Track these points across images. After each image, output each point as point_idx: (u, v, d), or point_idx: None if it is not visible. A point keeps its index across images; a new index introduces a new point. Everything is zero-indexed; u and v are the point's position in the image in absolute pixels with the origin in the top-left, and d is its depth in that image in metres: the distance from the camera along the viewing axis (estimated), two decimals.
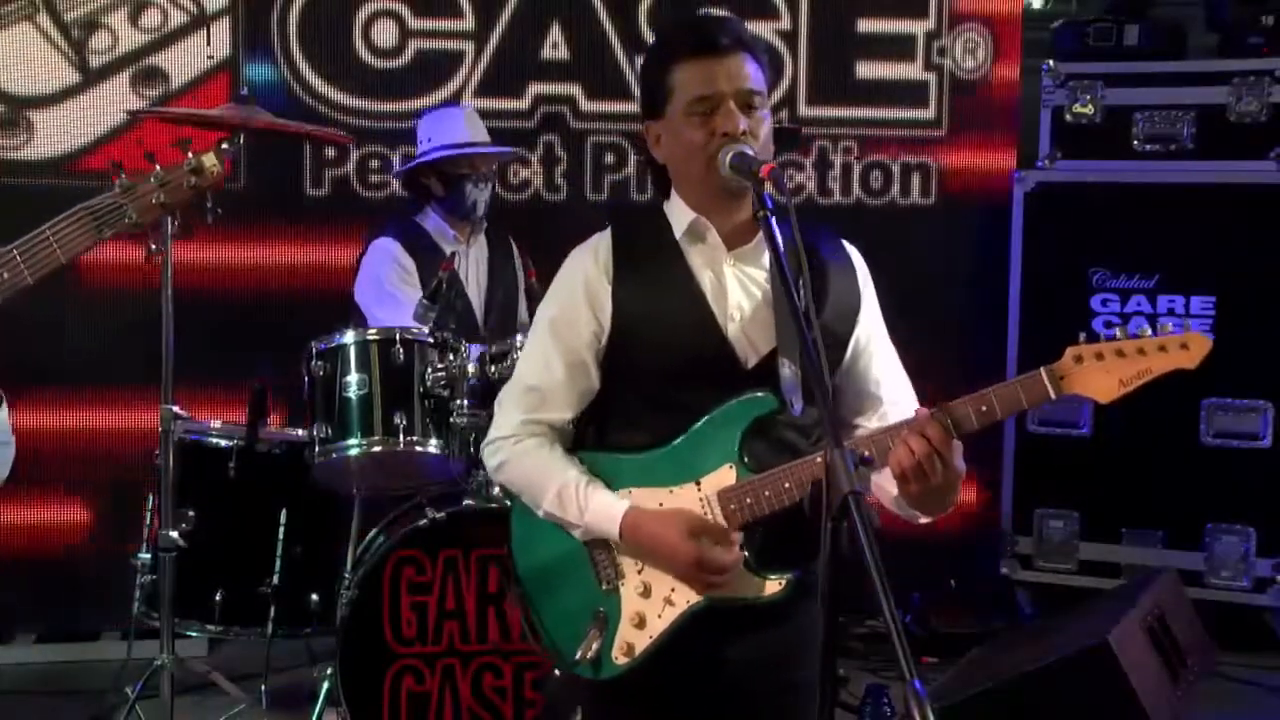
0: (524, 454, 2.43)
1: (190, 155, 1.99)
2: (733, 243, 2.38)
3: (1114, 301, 5.28)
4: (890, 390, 2.44)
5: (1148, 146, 5.34)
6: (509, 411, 2.47)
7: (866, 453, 2.21)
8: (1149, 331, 2.19)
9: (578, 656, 2.36)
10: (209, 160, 2.00)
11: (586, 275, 2.39)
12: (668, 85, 2.33)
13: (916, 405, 2.40)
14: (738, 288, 2.37)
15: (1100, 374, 2.19)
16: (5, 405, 2.19)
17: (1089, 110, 5.39)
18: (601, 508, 2.34)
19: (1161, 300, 5.25)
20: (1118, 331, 2.21)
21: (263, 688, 4.05)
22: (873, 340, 2.46)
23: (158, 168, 1.98)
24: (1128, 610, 3.79)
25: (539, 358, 2.43)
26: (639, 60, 2.84)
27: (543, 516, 2.41)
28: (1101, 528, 5.33)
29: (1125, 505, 5.29)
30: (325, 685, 3.89)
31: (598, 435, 2.47)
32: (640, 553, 2.35)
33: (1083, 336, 2.21)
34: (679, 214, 2.40)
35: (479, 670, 3.68)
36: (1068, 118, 5.42)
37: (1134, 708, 3.52)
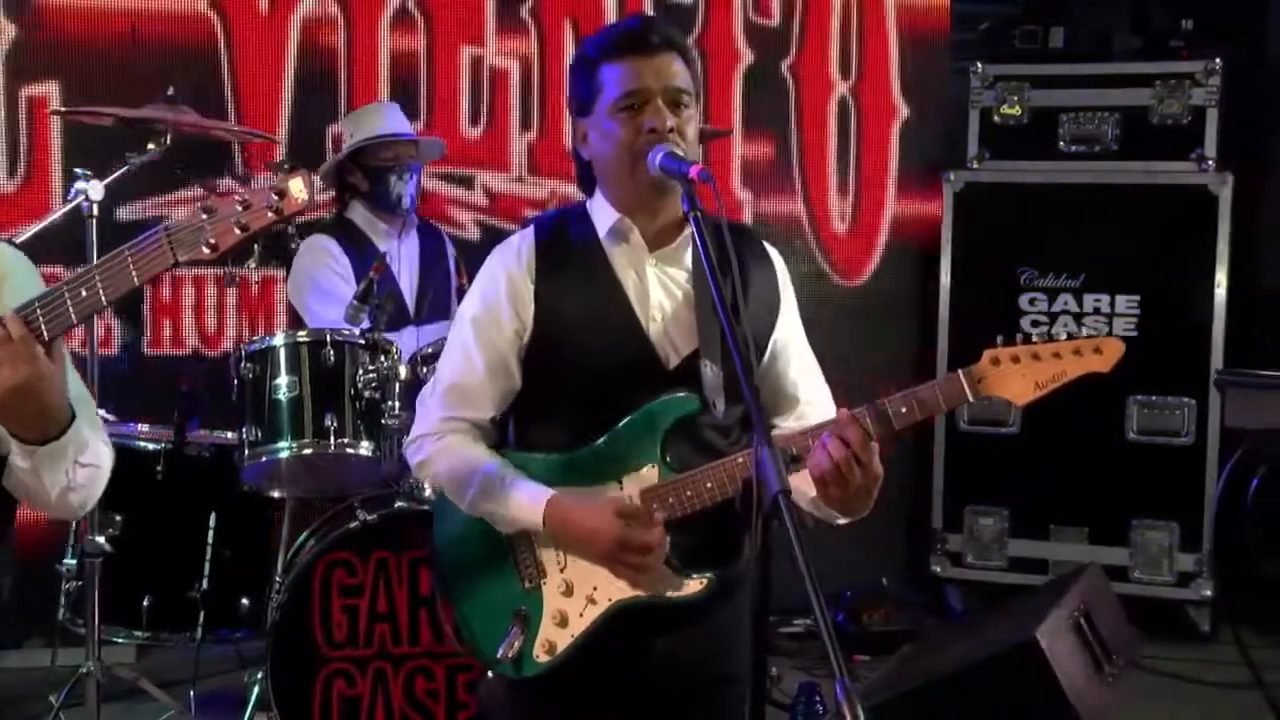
0: (446, 449, 2.43)
1: (274, 177, 1.93)
2: (655, 244, 2.40)
3: (1041, 300, 5.35)
4: (808, 391, 2.47)
5: (1073, 147, 5.40)
6: (431, 408, 2.48)
7: (794, 450, 2.23)
8: (1064, 335, 2.23)
9: (499, 655, 2.37)
10: (295, 185, 1.93)
11: (509, 273, 2.39)
12: (596, 82, 2.34)
13: (833, 406, 2.43)
14: (659, 288, 2.39)
15: (1016, 377, 2.24)
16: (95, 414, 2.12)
17: (1016, 111, 5.46)
18: (525, 497, 2.35)
19: (1088, 299, 5.32)
20: (1034, 335, 2.25)
21: (191, 693, 4.02)
22: (791, 342, 2.48)
23: (242, 191, 1.92)
24: (1055, 606, 3.83)
25: (461, 355, 2.43)
26: None
27: (466, 510, 2.41)
28: (1030, 525, 5.39)
29: (1053, 502, 5.35)
30: (255, 690, 3.85)
31: (520, 435, 2.48)
32: (563, 539, 2.35)
33: (1000, 340, 2.25)
34: (603, 214, 2.41)
35: (411, 673, 3.66)
36: (995, 118, 5.48)
37: (1061, 702, 3.56)
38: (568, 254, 2.40)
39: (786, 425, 2.41)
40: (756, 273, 2.42)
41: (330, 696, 3.62)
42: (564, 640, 2.36)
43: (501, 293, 2.39)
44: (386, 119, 4.46)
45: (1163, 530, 5.24)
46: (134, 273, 1.90)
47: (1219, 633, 5.21)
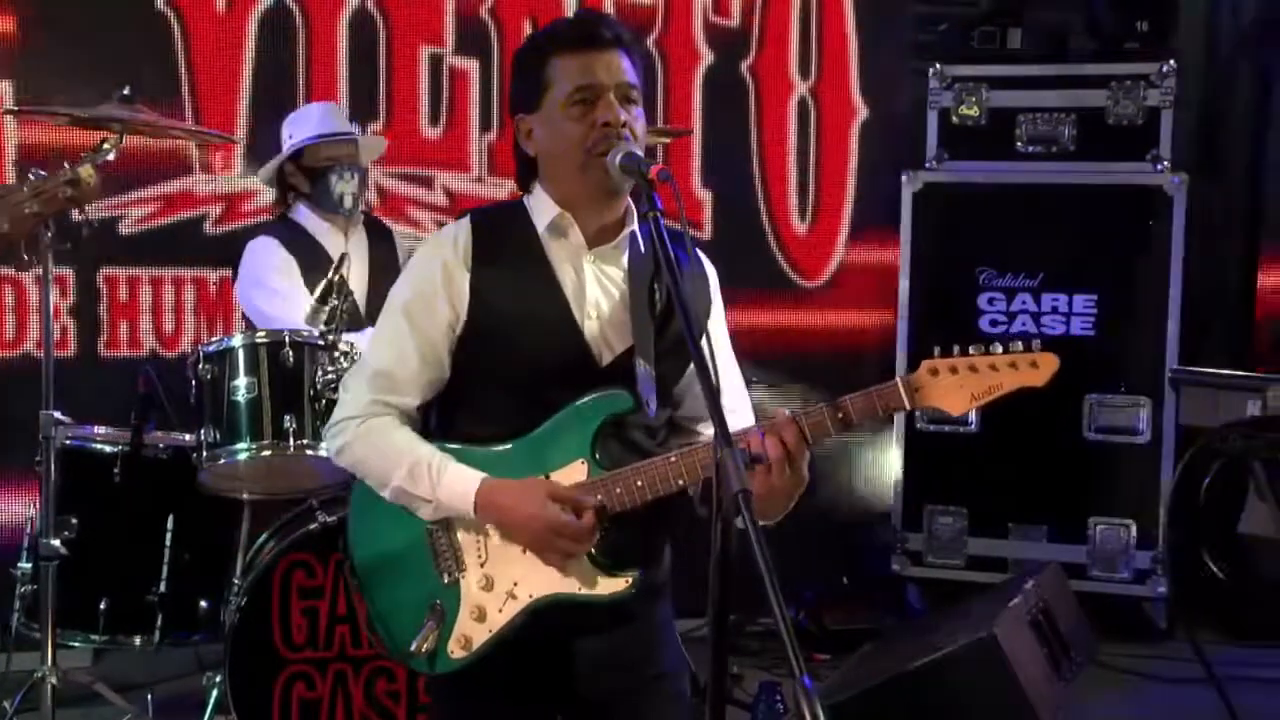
0: (372, 431, 2.40)
1: (66, 165, 1.93)
2: (594, 241, 2.39)
3: (1000, 300, 5.37)
4: (728, 399, 2.46)
5: (1031, 148, 5.44)
6: (356, 392, 2.44)
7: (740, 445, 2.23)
8: (1000, 348, 2.25)
9: (413, 649, 2.35)
10: (85, 171, 1.94)
11: (444, 262, 2.37)
12: (545, 78, 2.33)
13: (753, 416, 2.44)
14: (596, 286, 2.39)
15: (954, 387, 2.25)
16: None
17: (974, 112, 5.49)
18: (456, 480, 2.32)
19: (1045, 299, 5.35)
20: (972, 348, 2.26)
21: (149, 697, 3.99)
22: (717, 348, 2.48)
23: (30, 176, 1.91)
24: (1013, 604, 3.86)
25: (390, 341, 2.41)
26: None
27: (389, 496, 2.38)
28: (989, 523, 5.42)
29: (1011, 501, 5.38)
30: (214, 693, 3.83)
31: (448, 426, 2.45)
32: (494, 523, 2.33)
33: (937, 350, 2.27)
34: (542, 208, 2.40)
35: (372, 675, 3.65)
36: (954, 119, 5.51)
37: (1019, 698, 3.60)
38: (505, 246, 2.39)
39: (708, 433, 2.39)
40: (689, 277, 2.41)
41: (290, 699, 3.60)
42: (481, 636, 2.34)
43: (436, 281, 2.37)
44: (323, 119, 4.39)
45: (1120, 528, 5.29)
46: None
47: (1175, 629, 5.26)
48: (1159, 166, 5.26)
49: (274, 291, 4.12)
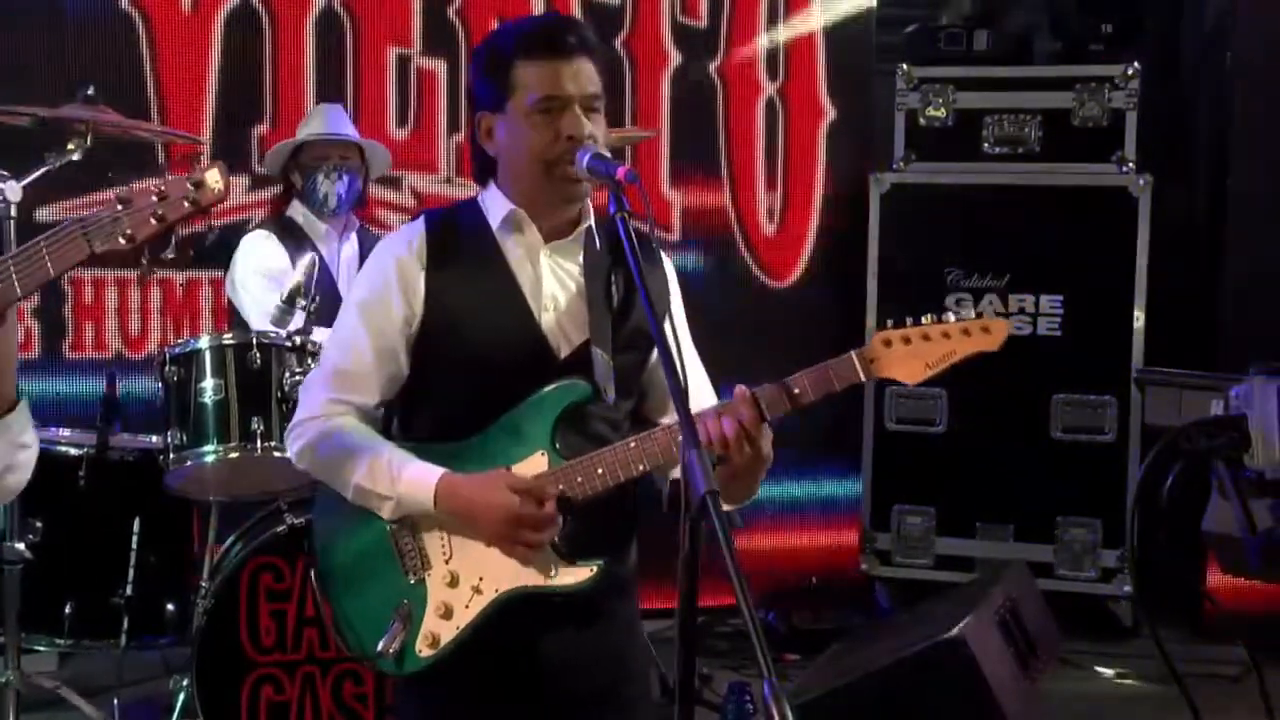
0: (331, 431, 2.40)
1: (195, 168, 1.93)
2: (550, 236, 2.40)
3: (967, 301, 5.40)
4: (693, 392, 2.47)
5: (997, 149, 5.47)
6: (315, 393, 2.44)
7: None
8: (952, 316, 2.26)
9: (379, 649, 2.33)
10: (212, 176, 1.93)
11: (399, 261, 2.38)
12: (510, 81, 2.33)
13: (714, 400, 2.45)
14: (553, 279, 2.40)
15: (908, 357, 2.25)
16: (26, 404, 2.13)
17: (941, 114, 5.51)
18: (415, 476, 2.32)
19: (1012, 299, 5.38)
20: (924, 317, 2.26)
21: (115, 702, 3.95)
22: (680, 339, 2.49)
23: (156, 181, 1.91)
24: (980, 603, 3.88)
25: (347, 341, 2.41)
26: None
27: (351, 496, 2.37)
28: (956, 523, 5.44)
29: (979, 500, 5.41)
30: (181, 697, 3.81)
31: (405, 424, 2.46)
32: (455, 516, 2.32)
33: (890, 322, 2.27)
34: (497, 205, 2.41)
35: (340, 678, 3.63)
36: (921, 121, 5.53)
37: (987, 697, 3.61)
38: (460, 245, 2.40)
39: (666, 422, 2.40)
40: (645, 272, 2.42)
41: (258, 702, 3.58)
42: (448, 633, 2.33)
43: (391, 280, 2.37)
44: (322, 120, 4.46)
45: (1086, 527, 5.32)
46: (49, 263, 1.90)
47: (1140, 628, 5.30)
48: (1124, 168, 5.29)
49: (270, 283, 4.12)
